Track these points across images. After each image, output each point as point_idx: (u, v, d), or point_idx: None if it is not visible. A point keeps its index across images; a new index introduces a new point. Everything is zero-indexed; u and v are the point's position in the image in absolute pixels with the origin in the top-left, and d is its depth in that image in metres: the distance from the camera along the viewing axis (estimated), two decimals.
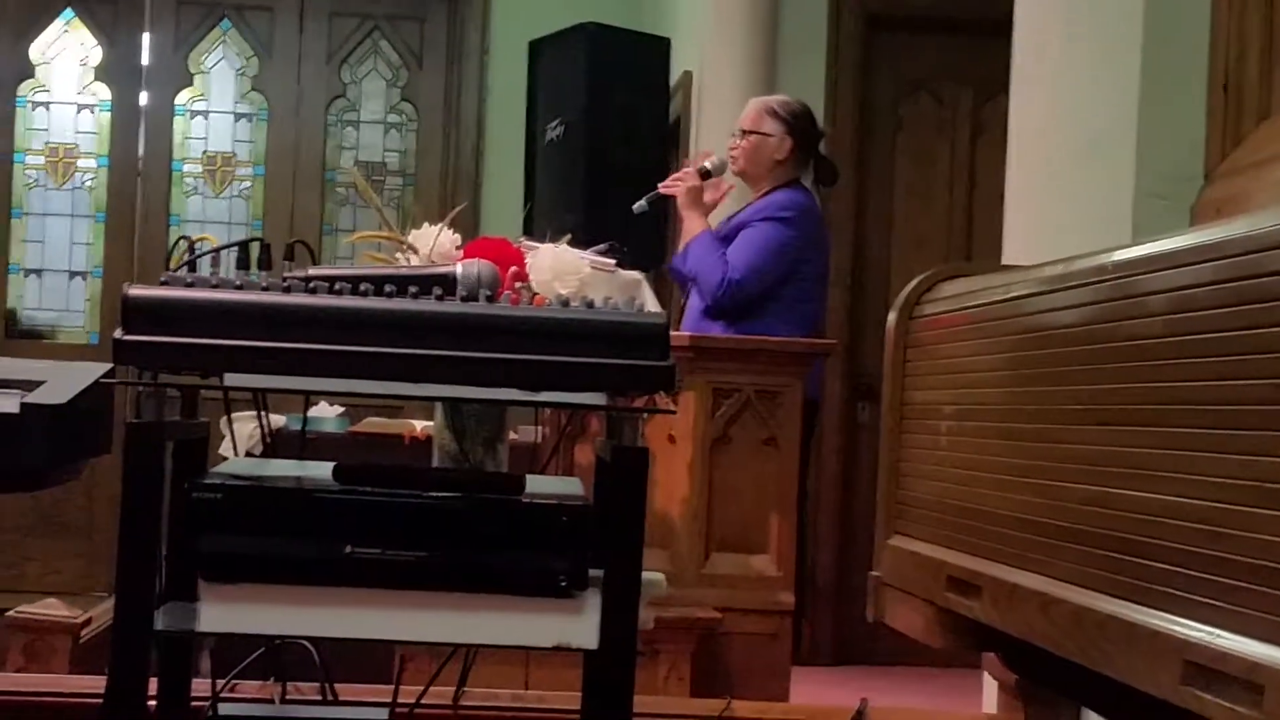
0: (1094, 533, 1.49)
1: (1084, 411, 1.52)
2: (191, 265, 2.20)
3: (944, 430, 1.92)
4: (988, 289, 1.85)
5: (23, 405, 1.87)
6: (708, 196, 4.61)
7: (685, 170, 4.70)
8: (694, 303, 4.55)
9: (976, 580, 1.75)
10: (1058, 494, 1.57)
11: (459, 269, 2.12)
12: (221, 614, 1.83)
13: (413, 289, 1.88)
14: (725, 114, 5.82)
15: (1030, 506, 1.63)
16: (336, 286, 1.83)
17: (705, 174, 4.63)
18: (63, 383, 1.96)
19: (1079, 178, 2.90)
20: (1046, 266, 1.70)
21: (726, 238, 4.48)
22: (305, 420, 2.62)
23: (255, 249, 2.36)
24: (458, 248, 2.78)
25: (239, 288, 1.81)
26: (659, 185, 4.70)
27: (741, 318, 4.37)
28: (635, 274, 4.30)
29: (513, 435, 2.86)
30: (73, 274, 7.63)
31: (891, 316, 2.12)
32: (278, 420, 3.56)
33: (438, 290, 1.88)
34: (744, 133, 4.58)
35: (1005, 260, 3.14)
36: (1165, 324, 1.38)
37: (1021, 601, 1.62)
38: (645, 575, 1.89)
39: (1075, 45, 2.98)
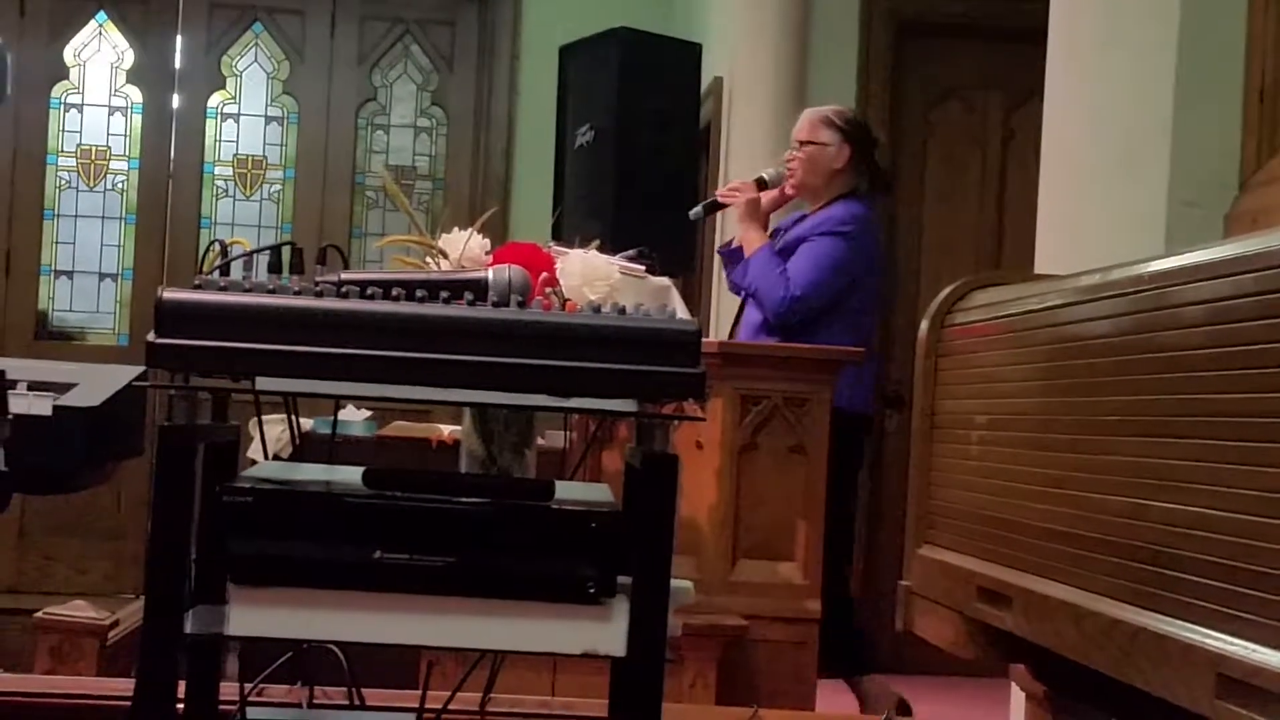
0: (1127, 544, 1.48)
1: (1119, 423, 1.51)
2: (224, 269, 2.20)
3: (975, 440, 1.91)
4: (1021, 298, 1.84)
5: (55, 408, 1.87)
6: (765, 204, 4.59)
7: (742, 181, 4.66)
8: (751, 316, 4.51)
9: (1007, 591, 1.74)
10: (1091, 505, 1.56)
11: (490, 274, 2.12)
12: (250, 618, 1.83)
13: (444, 294, 1.87)
14: (756, 119, 5.82)
15: (1063, 517, 1.62)
16: (368, 291, 1.83)
17: (762, 184, 4.59)
18: (95, 385, 1.96)
19: (1112, 185, 2.89)
20: (1081, 276, 1.69)
21: (785, 250, 4.45)
22: (335, 424, 2.62)
23: (287, 253, 2.37)
24: (487, 252, 2.78)
25: (271, 291, 1.81)
26: (716, 194, 4.69)
27: (801, 332, 4.35)
28: (664, 280, 4.30)
29: (540, 440, 2.86)
30: (103, 276, 7.65)
31: (923, 325, 2.11)
32: (306, 423, 3.57)
33: (469, 295, 1.87)
34: (800, 144, 4.55)
35: (1038, 268, 3.12)
36: (1203, 335, 1.37)
37: (1052, 613, 1.61)
38: (674, 583, 1.89)
39: (1109, 52, 2.96)
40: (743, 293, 4.61)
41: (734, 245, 4.66)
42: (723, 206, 4.67)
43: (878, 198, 4.67)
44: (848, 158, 4.51)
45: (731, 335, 4.65)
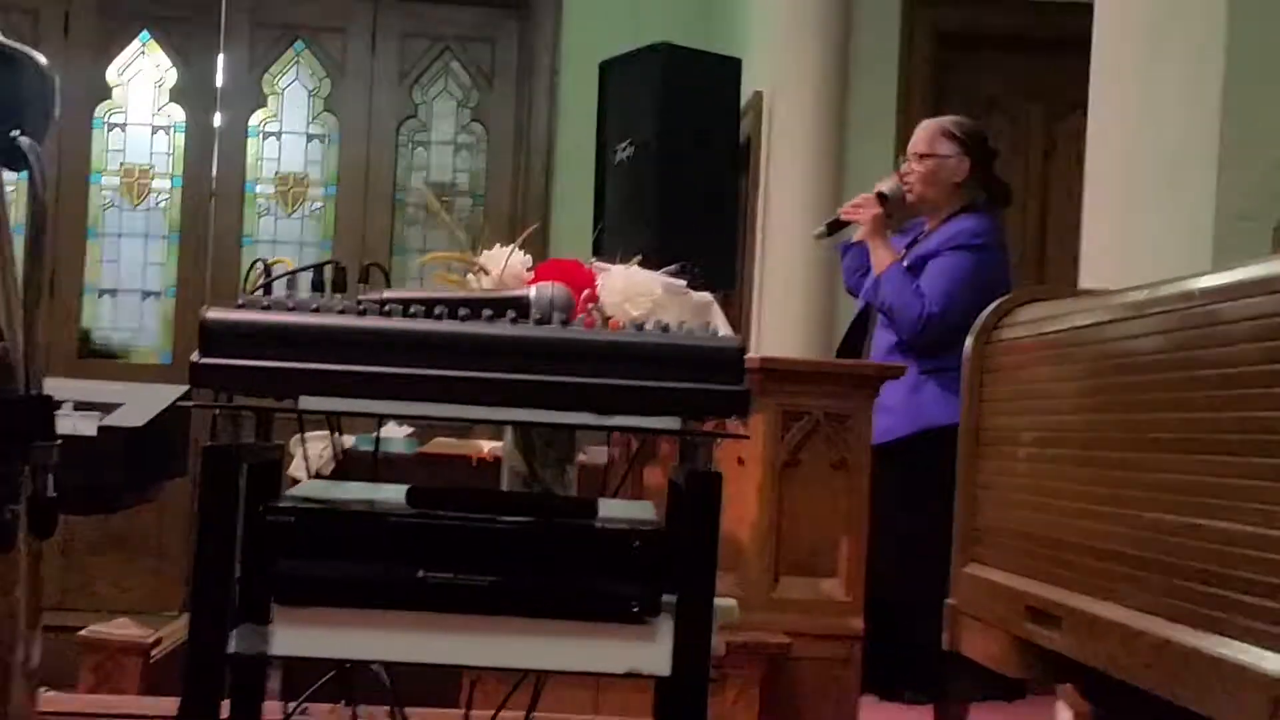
0: (1180, 564, 1.46)
1: (1170, 440, 1.49)
2: (267, 288, 2.21)
3: (1023, 457, 1.89)
4: (1068, 314, 1.82)
5: (100, 428, 1.87)
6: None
7: (865, 196, 4.57)
8: (883, 338, 4.42)
9: (1056, 610, 1.72)
10: (1142, 524, 1.54)
11: (533, 292, 2.11)
12: (295, 637, 1.83)
13: (487, 312, 1.87)
14: (797, 134, 5.80)
15: (1112, 536, 1.60)
16: (411, 310, 1.83)
17: (883, 199, 4.51)
18: (139, 405, 1.97)
19: (1159, 198, 2.86)
20: (1129, 292, 1.67)
21: (912, 267, 4.40)
22: (378, 443, 2.62)
23: (330, 272, 2.37)
24: (529, 269, 2.78)
25: (315, 311, 1.81)
26: (839, 212, 4.62)
27: (937, 351, 4.28)
28: (706, 295, 4.28)
29: (581, 456, 2.85)
30: (146, 294, 7.70)
31: (968, 341, 2.09)
32: (347, 440, 3.58)
33: (512, 313, 1.87)
34: (919, 156, 4.48)
35: (1082, 282, 3.10)
36: (1255, 351, 1.36)
37: (1102, 633, 1.59)
38: (718, 601, 1.88)
39: (1154, 64, 2.94)
40: (862, 298, 4.53)
41: (854, 243, 4.58)
42: (847, 225, 4.59)
43: (998, 210, 4.58)
44: (968, 170, 4.41)
45: (848, 352, 4.56)
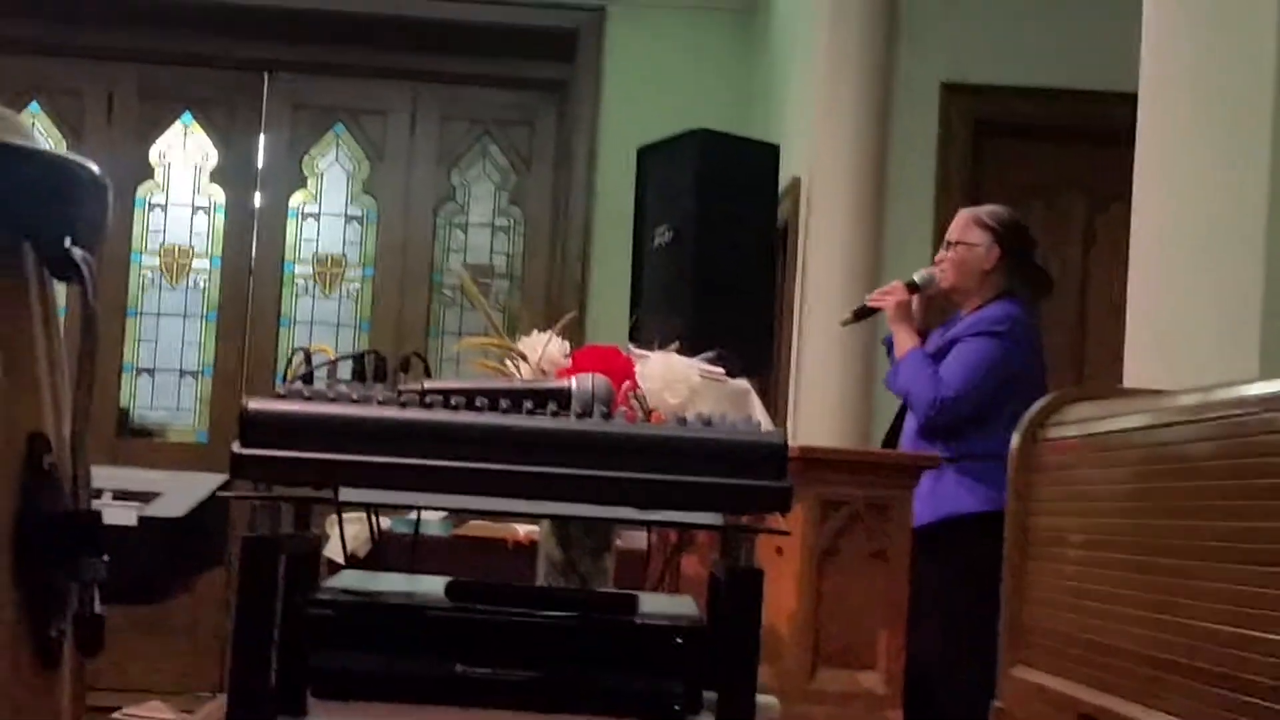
0: (1235, 676, 1.43)
1: (1226, 549, 1.46)
2: (308, 377, 2.20)
3: (1072, 559, 1.87)
4: (1117, 414, 1.80)
5: (140, 518, 1.87)
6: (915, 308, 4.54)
7: (895, 284, 4.60)
8: (910, 424, 4.44)
9: (1107, 718, 1.69)
10: (1196, 633, 1.51)
11: (574, 383, 2.10)
12: None
13: (527, 404, 1.86)
14: (834, 220, 5.81)
15: (1167, 645, 1.57)
16: (452, 401, 1.82)
17: (913, 287, 4.53)
18: (179, 495, 1.96)
19: (1203, 291, 2.84)
20: (1181, 395, 1.65)
21: (939, 353, 4.40)
22: (416, 533, 2.60)
23: (370, 361, 2.37)
24: (567, 355, 2.77)
25: (355, 402, 1.80)
26: (866, 299, 4.64)
27: (959, 436, 4.26)
28: (743, 383, 4.27)
29: (618, 541, 2.83)
30: (184, 373, 7.73)
31: (1015, 438, 2.08)
32: (383, 522, 3.56)
33: (553, 405, 1.86)
34: (951, 244, 4.51)
35: (1128, 376, 3.07)
36: None
37: None
38: (759, 698, 1.85)
39: (1200, 155, 2.93)
40: (886, 383, 4.56)
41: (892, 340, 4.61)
42: (874, 312, 4.61)
43: (1038, 300, 4.58)
44: (997, 258, 4.42)
45: (891, 443, 4.57)
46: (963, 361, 4.29)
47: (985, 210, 4.56)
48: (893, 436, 4.61)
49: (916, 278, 4.55)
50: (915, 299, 4.53)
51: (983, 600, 3.84)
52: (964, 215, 4.56)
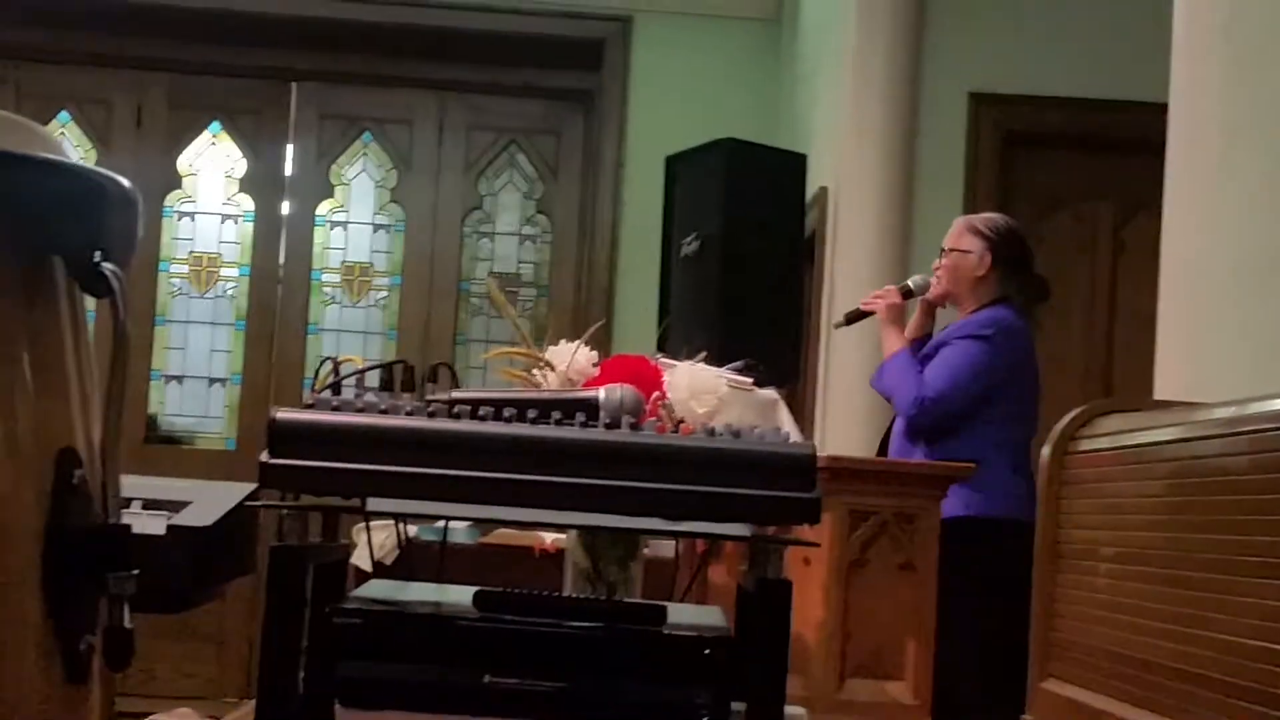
0: (1269, 692, 1.42)
1: (1259, 563, 1.45)
2: (336, 387, 2.21)
3: (1103, 572, 1.86)
4: (1150, 428, 1.79)
5: (169, 527, 1.87)
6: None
7: (888, 288, 4.63)
8: (899, 425, 4.46)
9: None
10: (1229, 649, 1.49)
11: (602, 394, 2.10)
12: None
13: (556, 414, 1.86)
14: (861, 229, 5.80)
15: (1199, 659, 1.56)
16: (480, 411, 1.82)
17: (908, 292, 4.56)
18: (208, 504, 1.97)
19: (1234, 305, 2.82)
20: (1216, 408, 1.64)
21: (928, 357, 4.41)
22: (444, 542, 2.60)
23: (399, 371, 2.37)
24: (595, 364, 2.77)
25: (384, 412, 1.80)
26: (861, 302, 4.66)
27: (942, 439, 4.26)
28: (771, 393, 4.26)
29: (645, 550, 2.83)
30: (212, 380, 7.75)
31: (1045, 451, 2.06)
32: (411, 529, 3.56)
33: (581, 416, 1.86)
34: (946, 250, 4.52)
35: (1157, 388, 3.05)
36: None
37: None
38: (787, 709, 1.85)
39: (1232, 163, 2.91)
40: (872, 385, 4.57)
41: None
42: (867, 315, 4.62)
43: (1034, 308, 4.58)
44: (989, 265, 4.43)
45: (884, 448, 4.58)
46: (946, 363, 4.30)
47: (980, 218, 4.58)
48: (885, 441, 4.61)
49: (911, 283, 4.58)
50: (919, 304, 4.55)
51: (962, 603, 3.83)
52: (959, 223, 4.57)
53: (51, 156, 1.21)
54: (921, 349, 4.48)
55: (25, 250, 1.18)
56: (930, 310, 4.66)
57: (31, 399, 1.16)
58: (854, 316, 4.64)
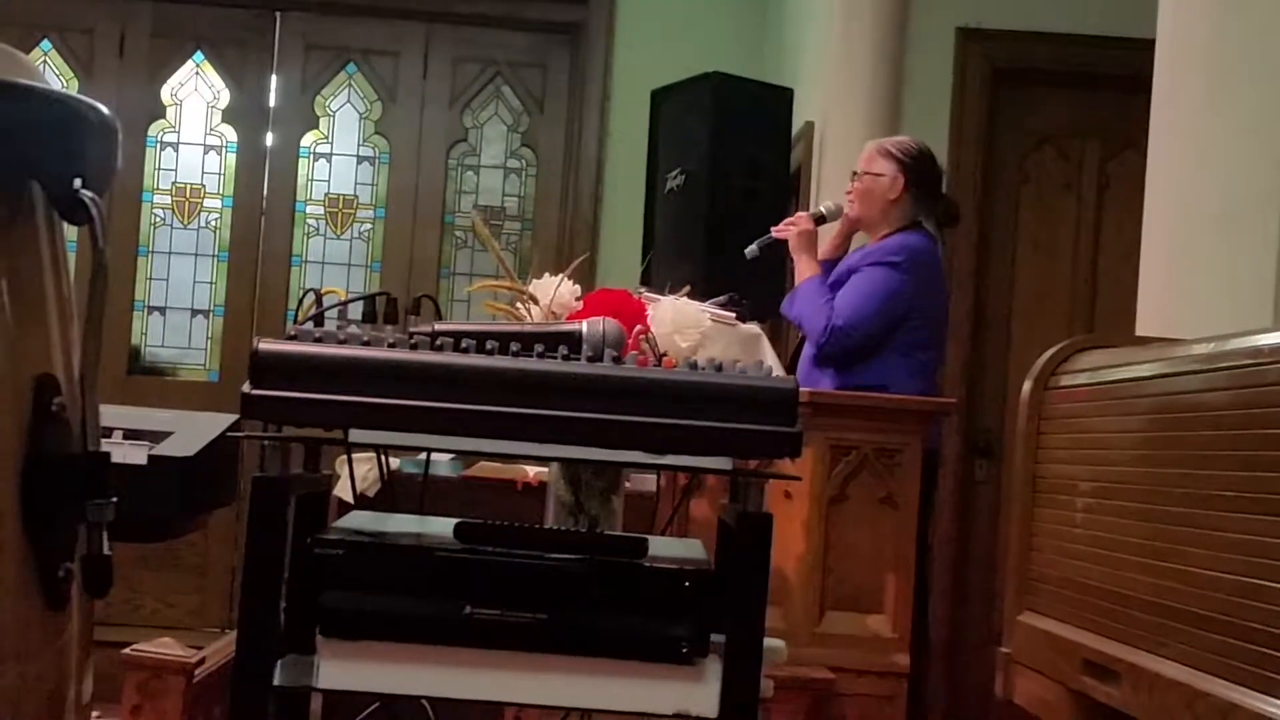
0: (1242, 625, 1.43)
1: (1235, 498, 1.46)
2: (319, 318, 2.20)
3: (1080, 507, 1.87)
4: (1129, 363, 1.79)
5: (150, 457, 1.87)
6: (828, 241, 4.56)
7: (800, 214, 4.65)
8: (807, 351, 4.47)
9: (1115, 666, 1.69)
10: (1203, 582, 1.51)
11: (584, 327, 2.10)
12: (339, 671, 1.82)
13: (538, 347, 1.86)
14: (847, 165, 5.77)
15: (1174, 593, 1.57)
16: (462, 344, 1.82)
17: (820, 218, 4.57)
18: (190, 435, 1.97)
19: (1218, 243, 2.83)
20: (1194, 344, 1.64)
21: (838, 283, 4.39)
22: (426, 475, 2.60)
23: (381, 303, 2.37)
24: (578, 298, 2.77)
25: (366, 344, 1.80)
26: (771, 229, 4.64)
27: (851, 365, 4.26)
28: (754, 327, 4.27)
29: (627, 484, 2.84)
30: (195, 312, 7.73)
31: (1026, 386, 2.07)
32: (393, 462, 3.57)
33: (563, 349, 1.86)
34: (857, 174, 4.51)
35: (1139, 324, 3.06)
36: None
37: (1164, 692, 1.56)
38: (766, 642, 1.86)
39: (1217, 101, 2.91)
40: (782, 311, 4.57)
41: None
42: (779, 242, 4.61)
43: (943, 231, 4.58)
44: (901, 188, 4.41)
45: (790, 370, 4.58)
46: (856, 290, 4.28)
47: (892, 141, 4.56)
48: (792, 364, 4.61)
49: (823, 208, 4.60)
50: (837, 228, 4.54)
51: None
52: (871, 146, 4.56)
53: (31, 83, 1.21)
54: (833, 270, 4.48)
55: (3, 176, 1.17)
56: (847, 234, 4.65)
57: (9, 324, 1.16)
58: (766, 245, 4.62)
